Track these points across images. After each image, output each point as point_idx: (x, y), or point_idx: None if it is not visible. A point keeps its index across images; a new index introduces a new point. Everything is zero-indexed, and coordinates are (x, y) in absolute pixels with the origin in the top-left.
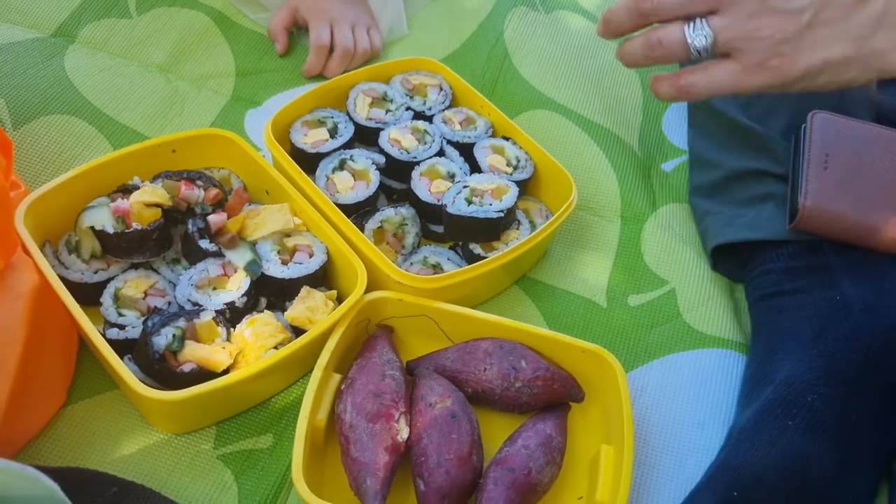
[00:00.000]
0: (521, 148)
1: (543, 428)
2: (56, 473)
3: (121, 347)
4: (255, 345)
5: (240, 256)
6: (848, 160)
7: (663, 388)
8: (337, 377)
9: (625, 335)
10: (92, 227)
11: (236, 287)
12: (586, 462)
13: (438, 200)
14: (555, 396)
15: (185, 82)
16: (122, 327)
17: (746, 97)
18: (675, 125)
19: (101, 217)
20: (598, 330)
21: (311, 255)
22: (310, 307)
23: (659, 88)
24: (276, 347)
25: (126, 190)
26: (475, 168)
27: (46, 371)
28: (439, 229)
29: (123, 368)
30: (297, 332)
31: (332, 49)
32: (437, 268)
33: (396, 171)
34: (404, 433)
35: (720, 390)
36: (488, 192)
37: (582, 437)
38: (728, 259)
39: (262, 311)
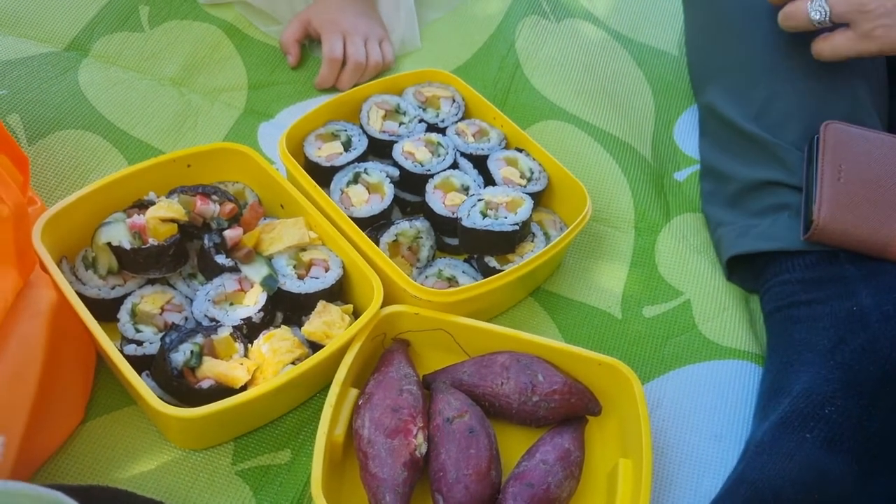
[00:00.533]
0: (534, 159)
1: (561, 442)
2: (77, 493)
3: (138, 363)
4: (273, 360)
5: (256, 271)
6: (862, 170)
7: (680, 400)
8: (354, 392)
9: (640, 346)
10: (108, 243)
11: (253, 302)
12: (604, 476)
13: (453, 213)
14: (572, 410)
15: (198, 95)
16: (139, 343)
17: (758, 108)
18: (686, 134)
19: (118, 233)
20: (614, 342)
21: (326, 270)
22: (326, 322)
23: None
24: (293, 363)
25: (142, 205)
26: (489, 180)
27: (65, 388)
28: (454, 242)
29: (141, 385)
30: (314, 346)
31: (344, 62)
32: (452, 281)
33: (410, 183)
34: (423, 448)
35: (737, 402)
36: (503, 205)
37: (599, 450)
38: (743, 269)
39: (278, 327)
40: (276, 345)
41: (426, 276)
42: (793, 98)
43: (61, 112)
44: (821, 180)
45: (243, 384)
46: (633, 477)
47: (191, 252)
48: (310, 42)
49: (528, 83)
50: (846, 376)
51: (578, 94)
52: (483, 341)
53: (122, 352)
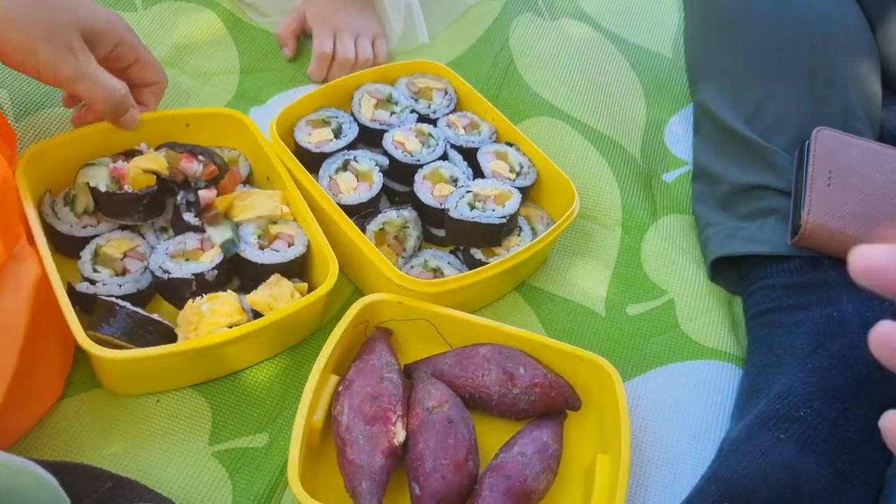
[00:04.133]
0: (524, 154)
1: (540, 435)
2: (52, 467)
3: (87, 302)
4: (209, 320)
5: (219, 234)
6: (851, 178)
7: (660, 399)
8: (335, 379)
9: (623, 344)
10: (87, 183)
11: (209, 260)
12: (581, 471)
13: (441, 204)
14: (552, 404)
15: (189, 77)
16: (92, 282)
17: (751, 110)
18: (677, 136)
19: (98, 175)
20: (597, 338)
21: (290, 245)
22: (273, 294)
23: None
24: (229, 327)
25: (130, 154)
26: (478, 173)
27: (45, 363)
28: (441, 233)
29: (73, 317)
30: (258, 316)
31: (334, 58)
32: (437, 272)
33: (399, 173)
34: (401, 436)
35: (716, 403)
36: (491, 198)
37: (577, 445)
38: (727, 271)
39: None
40: (216, 306)
41: (412, 266)
42: (786, 102)
43: (50, 89)
44: (810, 186)
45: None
46: (611, 473)
47: (168, 206)
48: (304, 34)
49: (520, 79)
50: (823, 380)
51: (570, 92)
52: (466, 333)
53: (75, 288)
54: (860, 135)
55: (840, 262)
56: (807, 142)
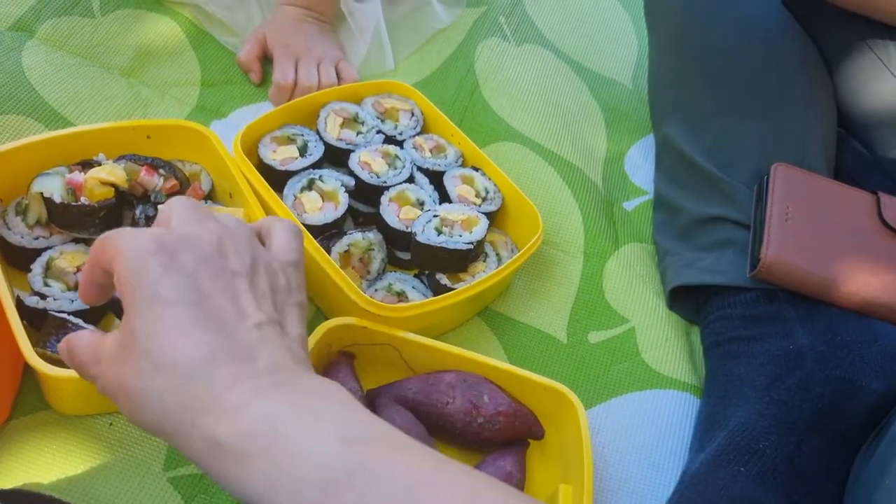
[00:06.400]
0: (490, 179)
1: (503, 465)
2: (4, 497)
3: (37, 318)
4: None
5: None
6: (808, 214)
7: (620, 428)
8: None
9: (584, 372)
10: (41, 193)
11: None
12: (544, 500)
13: (407, 227)
14: (515, 433)
15: (149, 88)
16: (42, 297)
17: (710, 143)
18: (637, 166)
19: (53, 185)
20: (558, 365)
21: None
22: None
23: None
24: None
25: (88, 164)
26: (444, 197)
27: None
28: (406, 256)
29: (20, 330)
30: None
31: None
32: (401, 296)
33: (365, 194)
34: None
35: (675, 432)
36: (458, 223)
37: (540, 474)
38: (685, 300)
39: None
40: None
41: (376, 290)
42: (746, 137)
43: (2, 95)
44: (769, 220)
45: None
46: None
47: (126, 220)
48: (267, 58)
49: (485, 104)
50: (780, 413)
51: (534, 118)
52: (430, 359)
53: (23, 301)
54: (817, 171)
55: (795, 296)
56: (766, 177)
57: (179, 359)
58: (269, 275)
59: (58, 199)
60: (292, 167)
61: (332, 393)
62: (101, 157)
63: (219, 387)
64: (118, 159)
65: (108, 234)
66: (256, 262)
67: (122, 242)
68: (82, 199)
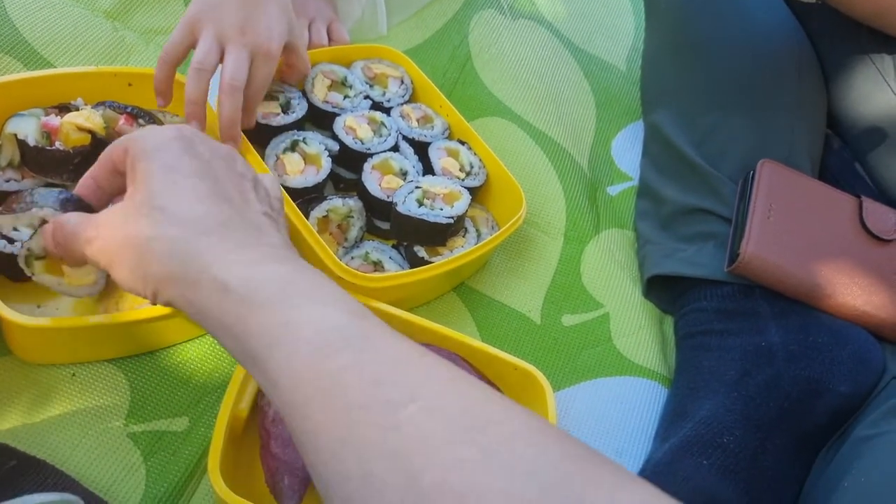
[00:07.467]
0: (475, 154)
1: None
2: None
3: (3, 262)
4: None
5: None
6: (791, 212)
7: (587, 411)
8: None
9: (555, 354)
10: (15, 135)
11: None
12: None
13: (388, 197)
14: None
15: (134, 34)
16: (10, 241)
17: (700, 136)
18: (623, 151)
19: (28, 127)
20: (530, 346)
21: None
22: None
23: None
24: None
25: (65, 108)
26: (428, 168)
27: None
28: (385, 226)
29: None
30: None
31: None
32: (377, 265)
33: (348, 160)
34: None
35: (640, 420)
36: (440, 196)
37: None
38: (661, 290)
39: None
40: None
41: (352, 257)
42: (734, 132)
43: None
44: (752, 216)
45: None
46: None
47: None
48: None
49: (476, 77)
50: (747, 409)
51: (524, 95)
52: (403, 331)
53: None
54: (802, 170)
55: (772, 294)
56: (751, 172)
57: (196, 216)
58: (265, 192)
59: (32, 142)
60: (274, 122)
61: (330, 279)
62: (79, 101)
63: (233, 244)
64: (97, 105)
65: (124, 136)
66: (256, 178)
67: (142, 132)
68: (57, 143)
